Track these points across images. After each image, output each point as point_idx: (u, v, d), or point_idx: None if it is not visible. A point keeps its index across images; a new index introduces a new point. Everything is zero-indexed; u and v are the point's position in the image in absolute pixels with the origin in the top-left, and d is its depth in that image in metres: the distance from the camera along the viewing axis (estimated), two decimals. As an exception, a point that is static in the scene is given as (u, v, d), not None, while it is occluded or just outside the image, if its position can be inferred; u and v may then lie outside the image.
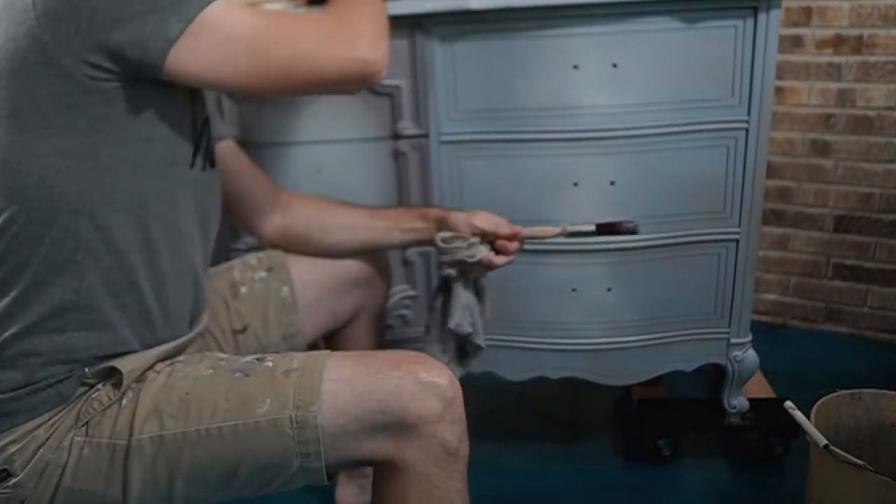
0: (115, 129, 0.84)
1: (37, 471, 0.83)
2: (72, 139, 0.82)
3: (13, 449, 0.83)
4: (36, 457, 0.83)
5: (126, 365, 0.87)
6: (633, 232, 1.11)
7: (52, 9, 0.78)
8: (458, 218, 1.15)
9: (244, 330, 1.15)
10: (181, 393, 0.86)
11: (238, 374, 0.87)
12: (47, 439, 0.84)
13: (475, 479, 1.58)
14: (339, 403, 0.84)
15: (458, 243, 1.11)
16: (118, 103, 0.83)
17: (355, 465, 0.91)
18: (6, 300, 0.84)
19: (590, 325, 1.41)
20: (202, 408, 0.84)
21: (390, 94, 1.35)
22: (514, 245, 1.14)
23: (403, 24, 1.28)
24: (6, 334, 0.84)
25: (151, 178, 0.88)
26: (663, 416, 1.58)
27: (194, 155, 0.94)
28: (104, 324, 0.88)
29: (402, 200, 1.39)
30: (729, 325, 1.43)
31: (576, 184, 1.33)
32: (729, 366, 1.47)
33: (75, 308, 0.86)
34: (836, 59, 1.95)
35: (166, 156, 0.90)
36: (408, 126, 1.35)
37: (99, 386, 0.87)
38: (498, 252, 1.13)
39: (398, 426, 0.84)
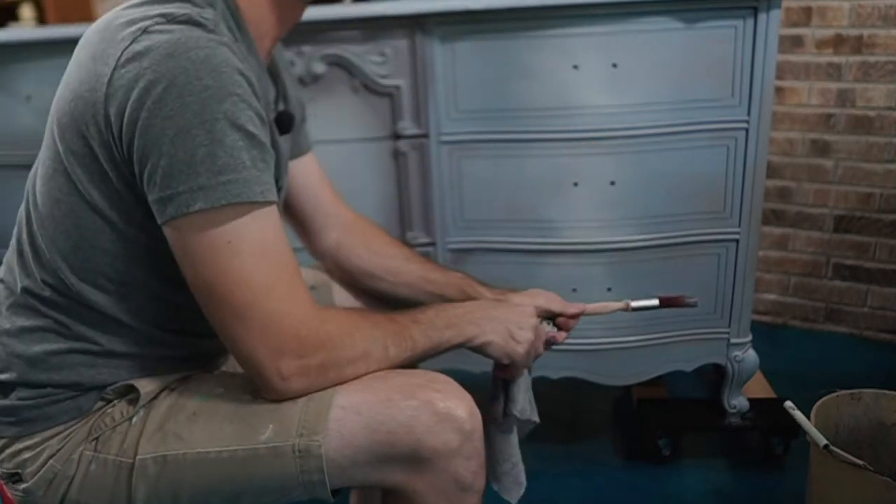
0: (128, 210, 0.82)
1: (46, 480, 0.83)
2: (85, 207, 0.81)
3: (27, 455, 0.83)
4: (46, 466, 0.83)
5: (146, 385, 0.85)
6: (693, 306, 1.10)
7: (116, 105, 0.73)
8: (521, 302, 1.05)
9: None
10: (188, 413, 0.83)
11: (247, 396, 0.84)
12: (59, 450, 0.83)
13: (475, 479, 1.57)
14: (345, 433, 0.79)
15: None
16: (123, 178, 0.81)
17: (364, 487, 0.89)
18: (49, 320, 0.84)
19: (590, 325, 1.41)
20: (206, 430, 0.82)
21: (390, 94, 1.35)
22: (575, 322, 1.08)
23: (403, 24, 1.29)
24: (40, 349, 0.83)
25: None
26: (663, 416, 1.58)
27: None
28: (138, 356, 0.87)
29: (402, 200, 1.39)
30: (729, 325, 1.43)
31: (576, 184, 1.33)
32: (729, 366, 1.47)
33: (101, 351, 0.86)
34: (836, 59, 1.95)
35: None
36: (408, 126, 1.35)
37: (115, 402, 0.86)
38: (559, 328, 1.07)
39: (410, 459, 0.81)
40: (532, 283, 1.39)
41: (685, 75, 1.28)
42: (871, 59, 1.91)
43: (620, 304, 1.09)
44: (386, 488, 0.86)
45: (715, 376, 1.60)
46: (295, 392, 0.80)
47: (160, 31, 0.72)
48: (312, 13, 1.35)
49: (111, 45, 0.75)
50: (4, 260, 0.90)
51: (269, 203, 0.75)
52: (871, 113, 1.94)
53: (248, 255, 0.74)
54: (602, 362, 1.46)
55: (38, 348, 0.84)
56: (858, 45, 1.91)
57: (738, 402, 1.51)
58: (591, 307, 1.09)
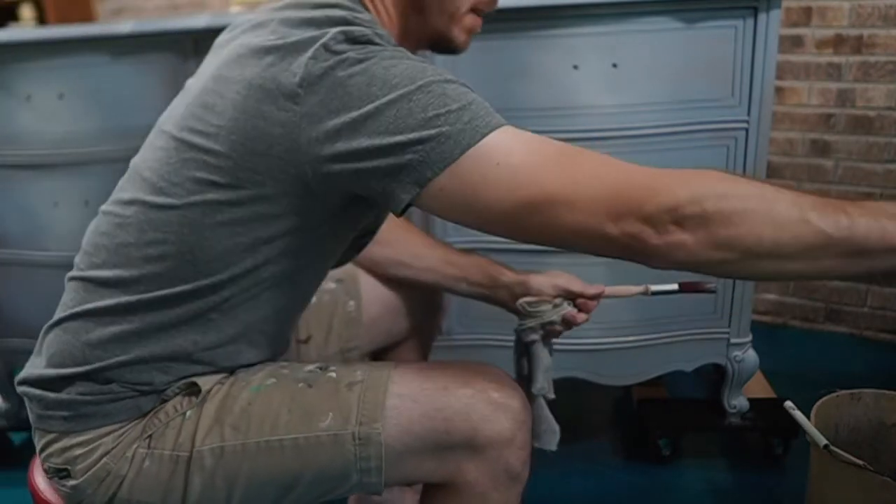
0: (311, 225, 0.82)
1: (97, 478, 0.82)
2: (264, 224, 0.80)
3: (78, 452, 0.83)
4: (99, 464, 0.82)
5: (206, 383, 0.85)
6: (713, 291, 1.08)
7: (320, 114, 0.73)
8: (540, 282, 1.10)
9: (307, 340, 1.13)
10: (243, 403, 0.83)
11: (301, 385, 0.85)
12: (113, 448, 0.83)
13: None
14: (403, 421, 0.81)
15: (545, 307, 1.08)
16: (326, 211, 0.81)
17: (411, 483, 0.88)
18: (127, 327, 0.82)
19: (590, 325, 1.41)
20: (263, 419, 0.82)
21: (390, 94, 1.35)
22: (594, 303, 1.09)
23: (403, 24, 1.28)
24: (113, 360, 0.82)
25: (317, 259, 0.89)
26: (663, 416, 1.58)
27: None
28: (207, 365, 0.87)
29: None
30: (729, 325, 1.43)
31: (576, 184, 1.33)
32: (729, 366, 1.47)
33: (186, 357, 0.85)
34: (836, 59, 1.95)
35: (342, 246, 0.92)
36: (408, 126, 1.35)
37: (171, 399, 0.86)
38: (580, 310, 1.09)
39: (465, 446, 0.81)
40: (532, 284, 1.40)
41: (685, 75, 1.28)
42: (871, 59, 1.91)
43: (640, 289, 1.09)
44: (437, 481, 0.85)
45: (715, 376, 1.60)
46: (686, 244, 0.67)
47: (344, 49, 0.73)
48: (312, 13, 1.35)
49: (291, 63, 0.74)
50: (86, 263, 0.87)
51: (503, 124, 0.73)
52: (871, 113, 1.94)
53: (527, 156, 0.71)
54: (602, 362, 1.46)
55: (118, 350, 0.83)
56: (858, 45, 1.91)
57: (738, 402, 1.51)
58: (610, 289, 1.10)
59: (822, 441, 1.14)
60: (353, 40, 0.74)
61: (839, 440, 1.24)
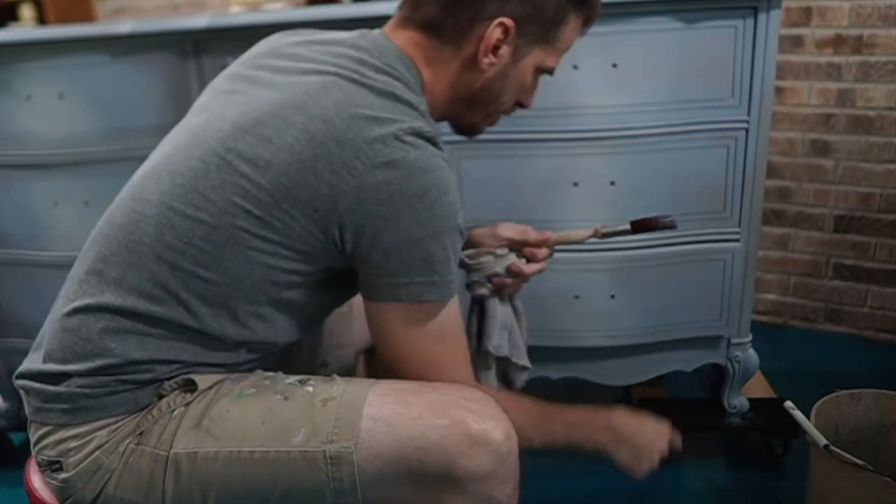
0: (320, 281, 0.88)
1: (88, 472, 0.82)
2: (279, 265, 0.84)
3: (73, 444, 0.83)
4: (91, 457, 0.82)
5: (204, 382, 0.86)
6: (672, 227, 1.04)
7: (366, 197, 0.79)
8: (480, 233, 1.11)
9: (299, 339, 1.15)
10: (222, 410, 0.84)
11: (278, 397, 0.84)
12: (107, 442, 0.83)
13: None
14: (374, 446, 0.79)
15: (486, 258, 1.06)
16: (335, 272, 0.88)
17: None
18: (130, 327, 0.83)
19: (591, 331, 1.41)
20: (238, 428, 0.82)
21: (390, 94, 1.35)
22: (543, 252, 1.09)
23: (403, 24, 1.28)
24: (115, 360, 0.83)
25: (322, 306, 0.96)
26: (663, 416, 1.57)
27: None
28: (209, 367, 0.88)
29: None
30: (729, 325, 1.43)
31: (576, 184, 1.33)
32: (729, 366, 1.47)
33: (187, 363, 0.86)
34: (836, 59, 1.95)
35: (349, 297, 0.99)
36: (408, 126, 1.35)
37: (167, 396, 0.86)
38: (528, 260, 1.09)
39: (441, 479, 0.80)
40: (533, 289, 1.39)
41: (685, 75, 1.28)
42: (871, 59, 1.91)
43: (589, 232, 1.09)
44: None
45: (715, 376, 1.60)
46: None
47: (412, 146, 0.81)
48: (312, 13, 1.35)
49: (357, 137, 0.79)
50: (95, 261, 0.86)
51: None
52: (871, 113, 1.94)
53: (440, 339, 0.88)
54: (602, 362, 1.46)
55: (121, 349, 0.83)
56: (858, 45, 1.91)
57: (738, 402, 1.51)
58: (555, 235, 1.10)
59: (822, 441, 1.14)
60: (420, 135, 0.82)
61: (839, 440, 1.24)
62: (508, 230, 1.09)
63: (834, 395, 1.29)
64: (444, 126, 0.98)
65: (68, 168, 1.46)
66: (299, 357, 1.12)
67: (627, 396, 1.73)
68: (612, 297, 1.39)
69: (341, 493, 0.80)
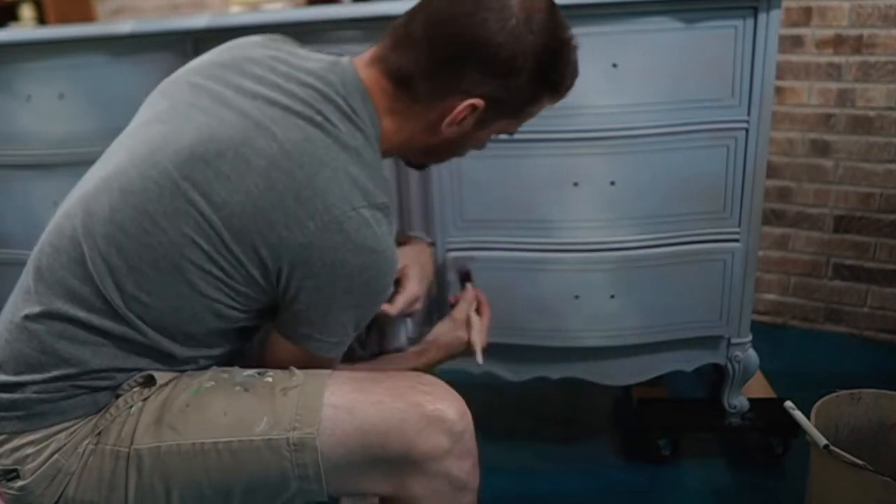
0: (262, 313, 0.91)
1: (47, 476, 0.82)
2: (220, 299, 0.85)
3: (29, 451, 0.82)
4: (50, 461, 0.82)
5: (162, 377, 0.86)
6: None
7: (312, 256, 0.82)
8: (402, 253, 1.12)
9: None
10: (182, 404, 0.84)
11: (238, 388, 0.85)
12: (65, 444, 0.83)
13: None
14: (337, 433, 0.82)
15: None
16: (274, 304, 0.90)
17: (360, 494, 0.90)
18: (84, 337, 0.83)
19: (591, 331, 1.41)
20: (200, 422, 0.83)
21: (390, 94, 1.35)
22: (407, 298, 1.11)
23: (403, 24, 1.28)
24: (71, 370, 0.83)
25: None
26: (663, 416, 1.58)
27: None
28: (166, 368, 0.89)
29: (401, 200, 1.39)
30: (729, 325, 1.43)
31: (576, 184, 1.33)
32: (729, 366, 1.47)
33: (143, 367, 0.87)
34: (836, 59, 1.95)
35: None
36: (408, 126, 1.35)
37: (124, 394, 0.86)
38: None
39: (403, 461, 0.82)
40: (533, 290, 1.40)
41: (685, 75, 1.28)
42: (871, 59, 1.91)
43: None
44: (385, 494, 0.86)
45: (715, 376, 1.60)
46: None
47: (366, 223, 0.83)
48: (312, 13, 1.35)
49: (316, 197, 0.81)
50: (37, 270, 0.87)
51: None
52: (871, 113, 1.94)
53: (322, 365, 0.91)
54: (602, 362, 1.46)
55: (74, 359, 0.83)
56: (858, 45, 1.91)
57: (738, 402, 1.50)
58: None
59: (822, 441, 1.14)
60: (376, 208, 0.84)
61: (839, 440, 1.24)
62: (409, 273, 1.13)
63: (834, 395, 1.29)
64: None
65: (68, 168, 1.46)
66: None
67: (627, 396, 1.73)
68: (612, 297, 1.39)
69: (306, 479, 0.82)
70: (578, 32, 1.25)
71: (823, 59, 1.96)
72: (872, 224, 2.01)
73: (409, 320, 1.15)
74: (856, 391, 1.30)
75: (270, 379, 0.87)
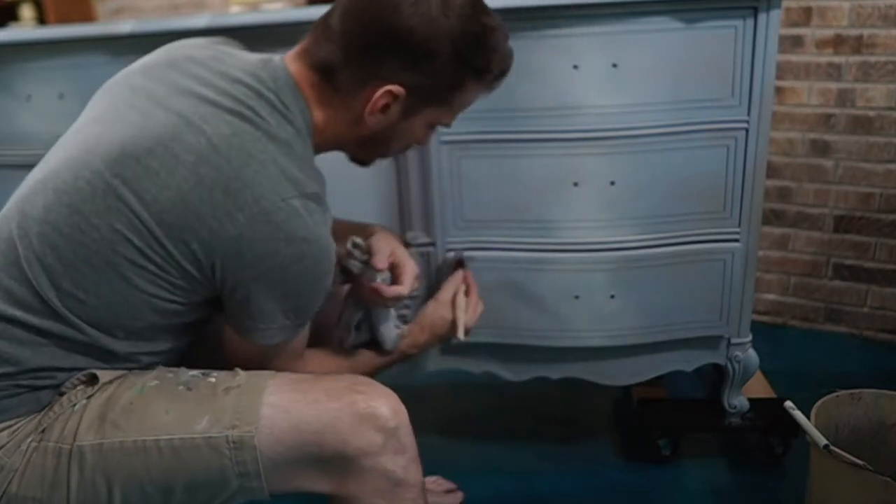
0: (200, 304, 0.91)
1: None
2: (157, 293, 0.86)
3: None
4: None
5: (106, 375, 0.87)
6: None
7: (242, 248, 0.83)
8: (380, 239, 1.11)
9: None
10: (125, 403, 0.85)
11: (181, 388, 0.87)
12: (8, 442, 0.83)
13: (475, 479, 1.58)
14: (275, 432, 0.83)
15: (358, 253, 1.08)
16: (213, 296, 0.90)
17: (303, 492, 0.90)
18: (25, 338, 0.84)
19: (591, 331, 1.41)
20: (142, 419, 0.84)
21: (390, 94, 1.35)
22: (391, 291, 1.08)
23: (403, 24, 1.28)
24: (11, 368, 0.84)
25: (202, 322, 0.98)
26: (663, 416, 1.58)
27: None
28: (109, 367, 0.89)
29: (401, 200, 1.39)
30: (729, 325, 1.43)
31: (576, 184, 1.33)
32: (729, 366, 1.47)
33: (85, 366, 0.87)
34: (836, 59, 1.95)
35: None
36: (408, 126, 1.35)
37: (68, 392, 0.87)
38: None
39: (338, 459, 0.84)
40: (533, 290, 1.39)
41: (685, 75, 1.28)
42: (871, 59, 1.91)
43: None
44: (326, 493, 0.87)
45: (715, 376, 1.60)
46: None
47: (297, 212, 0.83)
48: (313, 13, 1.35)
49: (245, 189, 0.82)
50: None
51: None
52: (871, 113, 1.94)
53: (284, 356, 0.95)
54: (602, 362, 1.46)
55: (21, 357, 0.84)
56: (858, 45, 1.91)
57: (738, 402, 1.50)
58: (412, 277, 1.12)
59: (822, 441, 1.14)
60: (306, 197, 0.84)
61: (839, 440, 1.24)
62: (376, 243, 1.11)
63: (834, 395, 1.29)
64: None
65: (68, 168, 1.46)
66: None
67: (627, 396, 1.73)
68: (612, 297, 1.39)
69: (246, 476, 0.83)
70: (578, 32, 1.27)
71: (823, 59, 1.96)
72: (872, 224, 2.01)
73: (400, 310, 1.15)
74: (856, 391, 1.30)
75: (214, 379, 0.88)
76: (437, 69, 0.88)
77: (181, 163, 0.82)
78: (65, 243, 0.83)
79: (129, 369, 0.90)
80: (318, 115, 0.92)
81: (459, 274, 1.23)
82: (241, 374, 0.89)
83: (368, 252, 1.09)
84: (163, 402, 0.85)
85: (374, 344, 1.14)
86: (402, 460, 0.86)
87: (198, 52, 0.93)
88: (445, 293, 1.20)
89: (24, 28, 2.92)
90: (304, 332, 0.97)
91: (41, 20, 3.15)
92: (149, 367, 0.92)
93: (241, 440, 0.82)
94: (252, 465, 0.82)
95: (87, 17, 3.24)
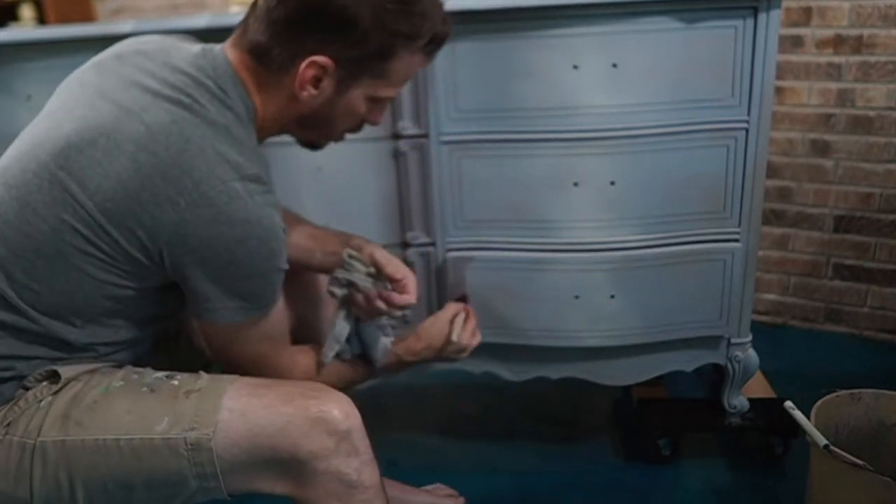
0: (151, 287, 0.92)
1: None
2: (108, 279, 0.88)
3: None
4: None
5: (68, 372, 0.89)
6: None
7: (188, 233, 0.84)
8: (378, 251, 1.11)
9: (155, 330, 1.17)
10: (90, 401, 0.87)
11: (145, 389, 0.88)
12: None
13: (475, 479, 1.59)
14: (231, 435, 0.84)
15: (360, 266, 1.08)
16: (164, 280, 0.91)
17: (262, 493, 0.91)
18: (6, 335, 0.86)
19: (591, 331, 1.41)
20: (105, 419, 0.85)
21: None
22: (403, 299, 1.08)
23: (403, 24, 1.28)
24: None
25: (157, 306, 0.97)
26: (663, 416, 1.58)
27: None
28: (69, 361, 0.90)
29: (401, 200, 1.39)
30: (729, 325, 1.43)
31: (576, 184, 1.33)
32: (729, 366, 1.47)
33: (46, 357, 0.89)
34: (836, 59, 1.95)
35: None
36: (408, 126, 1.35)
37: (32, 387, 0.89)
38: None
39: (291, 463, 0.85)
40: (533, 290, 1.39)
41: (685, 75, 1.28)
42: (871, 59, 1.91)
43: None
44: (284, 495, 0.89)
45: (715, 376, 1.60)
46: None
47: (237, 195, 0.84)
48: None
49: (184, 174, 0.83)
50: None
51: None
52: (871, 113, 1.94)
53: (264, 338, 0.96)
54: (602, 362, 1.46)
55: None
56: (858, 45, 1.91)
57: (738, 402, 1.50)
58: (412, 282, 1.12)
59: (822, 441, 1.14)
60: (247, 179, 0.85)
61: (839, 440, 1.24)
62: (381, 255, 1.10)
63: (834, 395, 1.29)
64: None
65: (68, 168, 1.46)
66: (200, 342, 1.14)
67: (627, 396, 1.73)
68: (612, 297, 1.39)
69: (204, 478, 0.85)
70: (578, 32, 1.27)
71: (823, 59, 1.96)
72: (872, 224, 2.01)
73: (391, 321, 1.15)
74: (856, 391, 1.30)
75: (177, 382, 0.90)
76: (360, 38, 0.88)
77: (122, 152, 0.83)
78: (15, 235, 0.85)
79: (89, 360, 0.91)
80: (258, 99, 0.93)
81: (461, 305, 1.23)
82: (204, 378, 0.90)
83: (373, 263, 1.09)
84: (125, 402, 0.87)
85: (364, 357, 1.13)
86: (356, 462, 0.87)
87: (146, 46, 0.95)
88: (446, 313, 1.20)
89: (24, 28, 2.92)
90: (275, 315, 0.96)
91: (41, 20, 3.15)
92: (107, 358, 0.93)
93: (198, 442, 0.84)
94: (209, 467, 0.84)
95: (87, 17, 3.24)
